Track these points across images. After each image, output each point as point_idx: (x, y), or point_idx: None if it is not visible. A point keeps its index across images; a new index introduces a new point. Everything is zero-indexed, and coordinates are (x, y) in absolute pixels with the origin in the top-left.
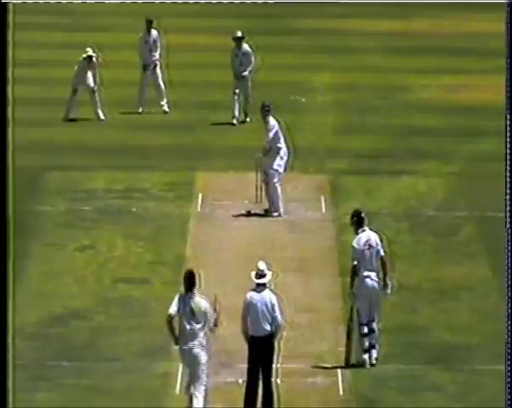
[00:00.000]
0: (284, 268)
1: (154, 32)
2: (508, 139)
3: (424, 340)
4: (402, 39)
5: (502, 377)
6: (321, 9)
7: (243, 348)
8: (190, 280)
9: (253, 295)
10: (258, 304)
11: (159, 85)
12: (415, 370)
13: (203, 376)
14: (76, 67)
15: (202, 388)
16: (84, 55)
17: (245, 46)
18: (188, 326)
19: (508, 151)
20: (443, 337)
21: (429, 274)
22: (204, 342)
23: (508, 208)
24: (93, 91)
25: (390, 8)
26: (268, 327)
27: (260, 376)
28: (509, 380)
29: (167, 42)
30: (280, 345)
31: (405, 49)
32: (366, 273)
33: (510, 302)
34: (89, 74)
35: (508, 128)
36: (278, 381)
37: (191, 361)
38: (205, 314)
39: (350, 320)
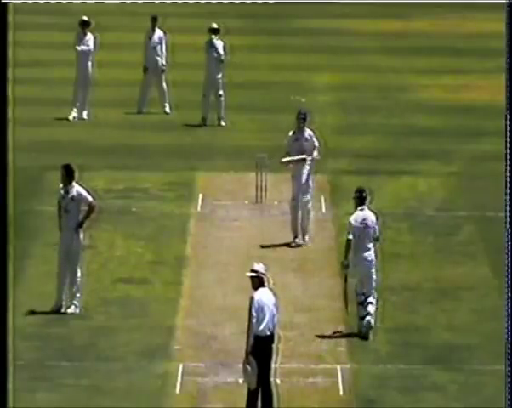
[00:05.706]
0: (284, 268)
1: (159, 31)
2: (508, 139)
3: (424, 340)
4: (402, 39)
5: (502, 377)
6: (321, 9)
7: (243, 348)
8: (68, 173)
9: (261, 295)
10: (266, 306)
11: (162, 87)
12: (415, 370)
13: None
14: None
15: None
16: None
17: (219, 43)
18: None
19: (508, 151)
20: (443, 337)
21: (429, 274)
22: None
23: (508, 208)
24: (84, 89)
25: (390, 8)
26: (271, 327)
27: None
28: (509, 380)
29: (167, 43)
30: (279, 345)
31: (405, 49)
32: (359, 253)
33: (510, 302)
34: (89, 62)
35: (508, 128)
36: (278, 381)
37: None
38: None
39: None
